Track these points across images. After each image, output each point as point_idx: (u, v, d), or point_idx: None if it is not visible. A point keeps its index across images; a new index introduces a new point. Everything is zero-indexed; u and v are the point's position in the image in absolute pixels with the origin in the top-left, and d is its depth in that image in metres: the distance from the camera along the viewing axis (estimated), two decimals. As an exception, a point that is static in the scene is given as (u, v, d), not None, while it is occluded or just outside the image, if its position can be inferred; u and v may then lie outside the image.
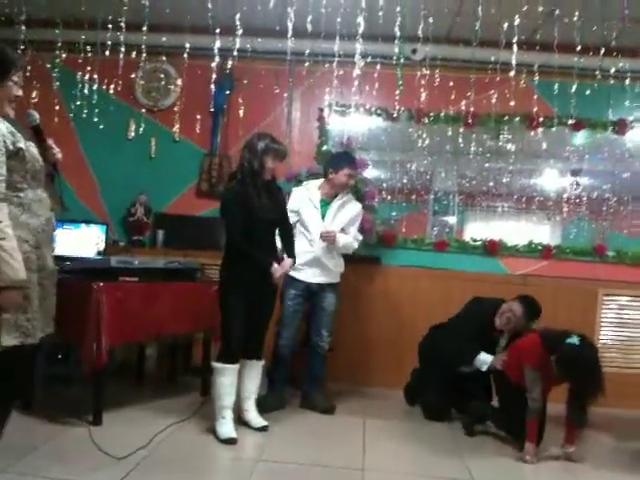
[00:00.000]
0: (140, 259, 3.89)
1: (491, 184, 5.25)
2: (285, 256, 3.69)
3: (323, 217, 4.10)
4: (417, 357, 4.35)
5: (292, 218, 3.98)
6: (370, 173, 5.14)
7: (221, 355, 3.52)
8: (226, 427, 3.45)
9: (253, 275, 3.48)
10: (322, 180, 4.21)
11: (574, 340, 3.42)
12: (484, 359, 3.93)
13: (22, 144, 2.37)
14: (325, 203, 4.14)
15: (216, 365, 3.51)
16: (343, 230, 4.14)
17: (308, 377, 4.20)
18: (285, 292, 4.06)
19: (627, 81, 4.89)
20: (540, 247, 5.04)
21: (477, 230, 5.25)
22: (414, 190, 5.32)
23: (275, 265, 3.52)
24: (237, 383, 3.56)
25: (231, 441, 3.39)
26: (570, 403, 3.49)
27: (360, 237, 4.30)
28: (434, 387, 4.13)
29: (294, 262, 3.72)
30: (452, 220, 5.33)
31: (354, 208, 4.21)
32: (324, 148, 5.07)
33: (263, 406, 3.84)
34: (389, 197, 5.27)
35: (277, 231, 3.71)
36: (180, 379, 4.57)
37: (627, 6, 4.12)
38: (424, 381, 4.29)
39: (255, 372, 3.69)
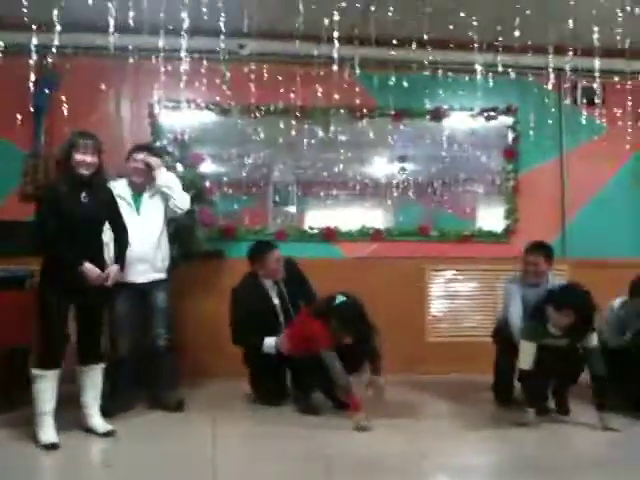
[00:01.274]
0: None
1: (325, 173, 5.48)
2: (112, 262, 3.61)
3: (138, 211, 4.07)
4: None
5: None
6: (208, 167, 5.18)
7: (38, 360, 3.37)
8: (47, 433, 3.32)
9: (72, 276, 3.36)
10: None
11: (341, 299, 3.87)
12: (269, 344, 4.15)
13: None
14: (137, 197, 4.11)
15: (34, 372, 3.36)
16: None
17: (154, 377, 4.16)
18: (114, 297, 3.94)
19: (439, 72, 5.33)
20: (371, 231, 5.38)
21: (316, 218, 5.47)
22: (254, 182, 5.41)
23: (87, 264, 3.40)
24: (80, 389, 3.50)
25: (53, 446, 3.28)
26: (360, 350, 3.94)
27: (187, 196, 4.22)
28: (263, 373, 4.28)
29: (121, 268, 3.62)
30: (292, 209, 5.49)
31: None
32: (157, 144, 5.01)
33: (107, 410, 3.75)
34: (230, 190, 5.33)
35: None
36: (15, 392, 4.30)
37: (430, 1, 4.46)
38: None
39: (95, 377, 3.59)
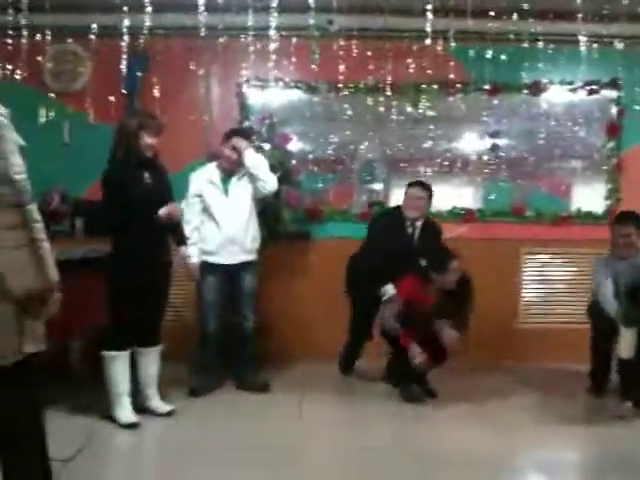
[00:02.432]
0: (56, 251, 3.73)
1: (413, 150, 5.29)
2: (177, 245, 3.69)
3: (227, 193, 4.06)
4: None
5: (196, 205, 3.99)
6: (294, 146, 5.10)
7: (111, 342, 3.43)
8: (126, 412, 3.40)
9: (141, 260, 3.38)
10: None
11: None
12: (387, 290, 4.06)
13: None
14: (226, 179, 4.10)
15: (106, 354, 3.42)
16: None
17: (239, 359, 4.19)
18: (202, 280, 4.01)
19: (540, 44, 5.01)
20: (463, 211, 5.17)
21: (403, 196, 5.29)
22: (340, 160, 5.30)
23: (160, 211, 3.42)
24: (135, 371, 3.55)
25: (133, 425, 3.37)
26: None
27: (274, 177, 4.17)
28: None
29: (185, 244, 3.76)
30: (378, 187, 5.36)
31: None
32: (245, 124, 4.99)
33: (195, 390, 3.82)
34: (315, 169, 5.25)
35: None
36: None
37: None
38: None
39: (152, 358, 3.60)
